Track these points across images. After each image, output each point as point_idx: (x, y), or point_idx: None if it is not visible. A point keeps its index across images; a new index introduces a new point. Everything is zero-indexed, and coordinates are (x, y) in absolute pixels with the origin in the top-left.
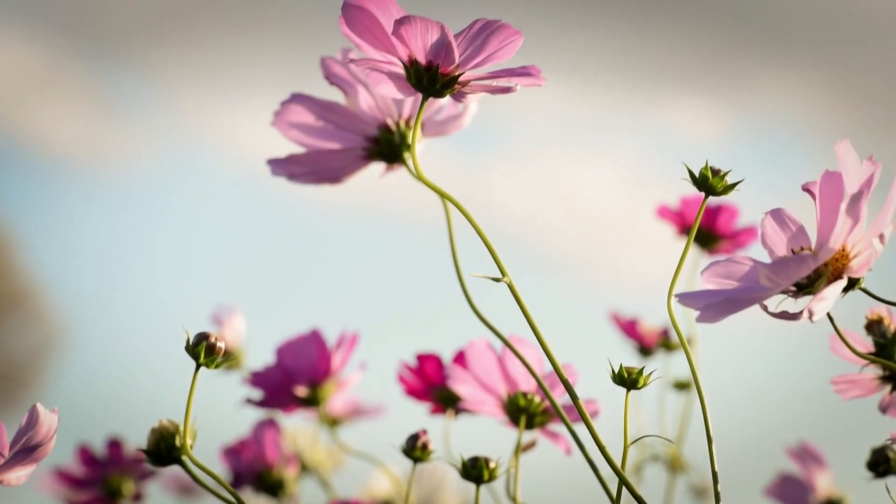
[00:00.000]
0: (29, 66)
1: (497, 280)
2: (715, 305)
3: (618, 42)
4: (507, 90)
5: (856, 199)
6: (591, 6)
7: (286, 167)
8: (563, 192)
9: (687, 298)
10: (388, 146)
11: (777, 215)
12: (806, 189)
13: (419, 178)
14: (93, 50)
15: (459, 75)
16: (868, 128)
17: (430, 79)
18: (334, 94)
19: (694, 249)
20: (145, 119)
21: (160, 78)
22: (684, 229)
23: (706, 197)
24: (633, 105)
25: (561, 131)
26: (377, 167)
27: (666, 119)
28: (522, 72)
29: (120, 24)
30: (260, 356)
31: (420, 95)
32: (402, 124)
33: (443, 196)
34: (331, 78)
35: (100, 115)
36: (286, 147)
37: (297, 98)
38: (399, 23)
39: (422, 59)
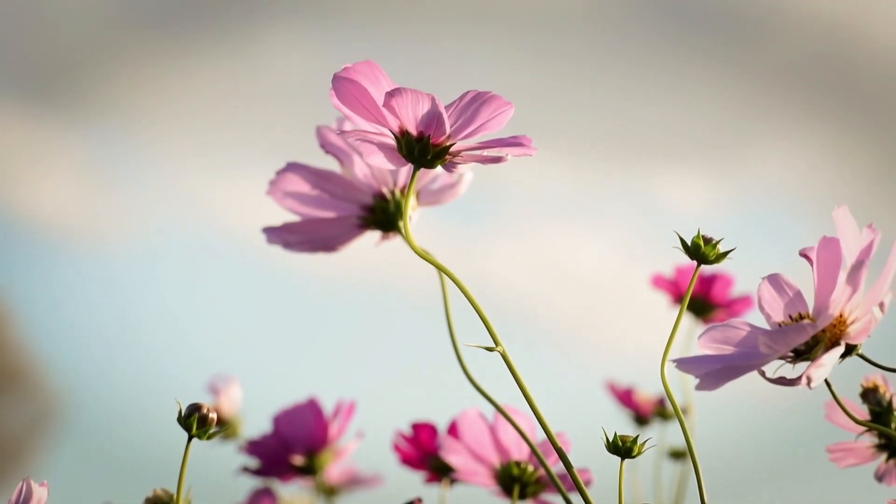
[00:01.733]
0: (22, 141)
1: (490, 349)
2: (714, 373)
3: (611, 113)
4: (498, 160)
5: (857, 268)
6: (584, 78)
7: (281, 235)
8: (557, 263)
9: (685, 364)
10: (383, 215)
11: (774, 280)
12: (803, 255)
13: (412, 248)
14: (86, 124)
15: (451, 146)
16: (862, 197)
17: (422, 149)
18: (330, 163)
19: (689, 318)
20: (139, 191)
21: (154, 150)
22: (679, 298)
23: (698, 265)
24: (627, 176)
25: (555, 202)
26: (372, 236)
27: (660, 190)
28: (513, 142)
29: (112, 98)
30: (257, 425)
31: (411, 166)
32: (398, 193)
33: (435, 266)
34: (326, 147)
35: (94, 188)
36: (281, 217)
37: (292, 167)
38: (390, 95)
39: (413, 130)
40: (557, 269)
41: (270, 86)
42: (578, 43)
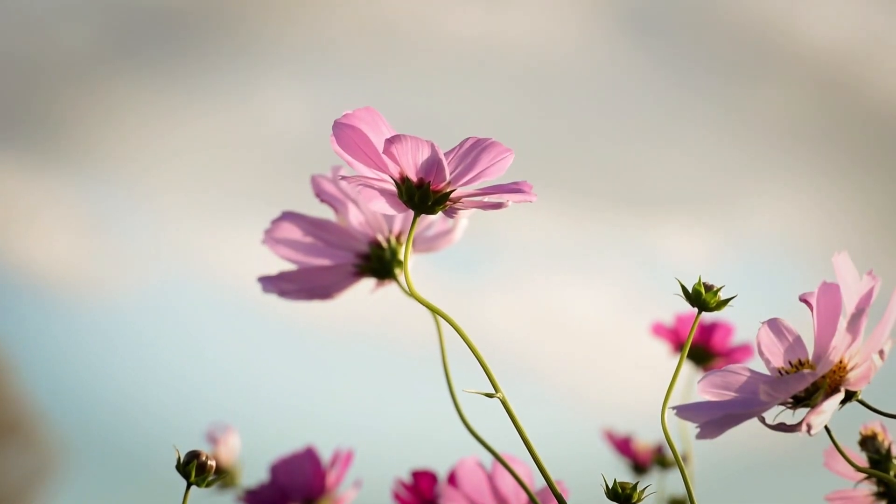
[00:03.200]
0: (17, 192)
1: (490, 396)
2: (714, 422)
3: (606, 163)
4: (498, 206)
5: (858, 315)
6: (579, 127)
7: (277, 284)
8: (553, 313)
9: (685, 411)
10: (378, 262)
11: (774, 325)
12: (803, 300)
13: (411, 293)
14: (82, 174)
15: (451, 192)
16: (860, 245)
17: (422, 196)
18: (325, 212)
19: (689, 367)
20: (137, 241)
21: (151, 199)
22: (679, 346)
23: (699, 312)
24: (623, 226)
25: (551, 253)
26: (368, 283)
27: (656, 240)
28: (514, 188)
29: (108, 147)
30: (255, 474)
31: (411, 212)
32: (393, 240)
33: (434, 311)
34: (321, 195)
35: (90, 238)
36: (277, 266)
37: (287, 216)
38: (389, 141)
39: (413, 177)
40: (554, 320)
41: (268, 134)
42: (573, 92)
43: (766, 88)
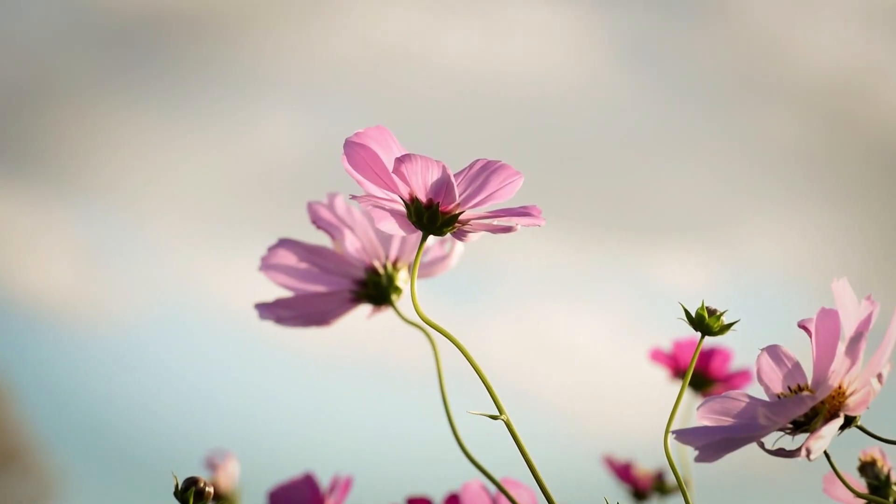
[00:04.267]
0: (15, 220)
1: (495, 417)
2: (713, 445)
3: (604, 191)
4: (507, 230)
5: (856, 340)
6: (576, 155)
7: (274, 311)
8: (552, 340)
9: (684, 435)
10: (375, 288)
11: (773, 352)
12: (802, 326)
13: (418, 314)
14: (80, 201)
15: (460, 214)
16: (858, 272)
17: (431, 217)
18: (322, 239)
19: (687, 393)
20: (134, 268)
21: (148, 226)
22: (677, 372)
23: (702, 337)
24: (621, 254)
25: (549, 281)
26: (364, 309)
27: (654, 267)
28: (523, 211)
29: (105, 174)
30: (254, 500)
31: (420, 233)
32: (389, 266)
33: (440, 331)
34: (317, 222)
35: (88, 265)
36: (275, 292)
37: (283, 243)
38: (400, 161)
39: (422, 197)
40: (552, 346)
41: (266, 160)
42: (572, 119)
43: (765, 116)
